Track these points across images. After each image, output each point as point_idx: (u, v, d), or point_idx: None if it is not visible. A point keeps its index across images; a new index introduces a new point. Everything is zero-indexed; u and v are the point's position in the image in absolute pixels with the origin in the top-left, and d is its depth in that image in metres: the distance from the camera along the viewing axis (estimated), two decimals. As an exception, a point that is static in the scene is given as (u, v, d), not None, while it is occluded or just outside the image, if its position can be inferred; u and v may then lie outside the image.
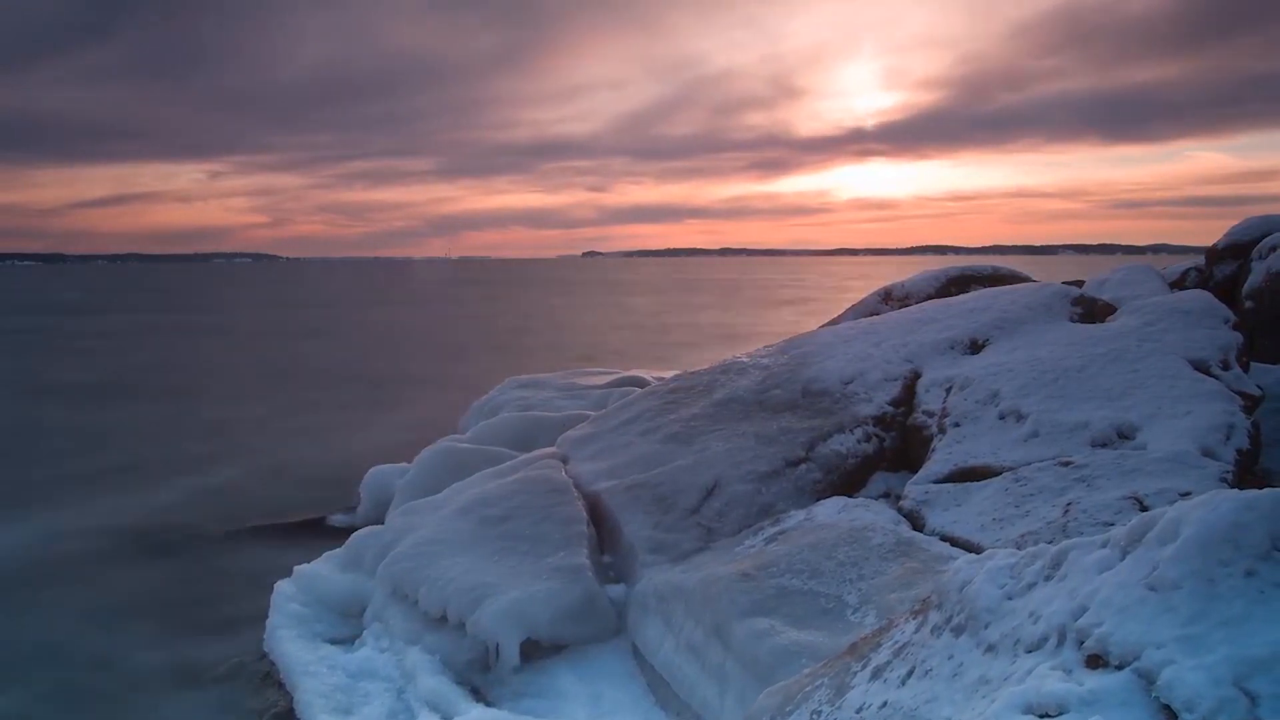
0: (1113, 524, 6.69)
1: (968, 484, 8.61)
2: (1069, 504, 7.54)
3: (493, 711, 7.65)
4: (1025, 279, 15.73)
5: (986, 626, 4.02)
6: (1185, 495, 7.10)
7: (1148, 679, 3.12)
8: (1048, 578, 3.96)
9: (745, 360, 12.65)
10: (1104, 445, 8.60)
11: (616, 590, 8.97)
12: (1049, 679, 3.30)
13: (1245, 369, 10.21)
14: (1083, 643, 3.44)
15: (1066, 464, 8.27)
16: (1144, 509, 7.21)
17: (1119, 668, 3.24)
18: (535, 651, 8.36)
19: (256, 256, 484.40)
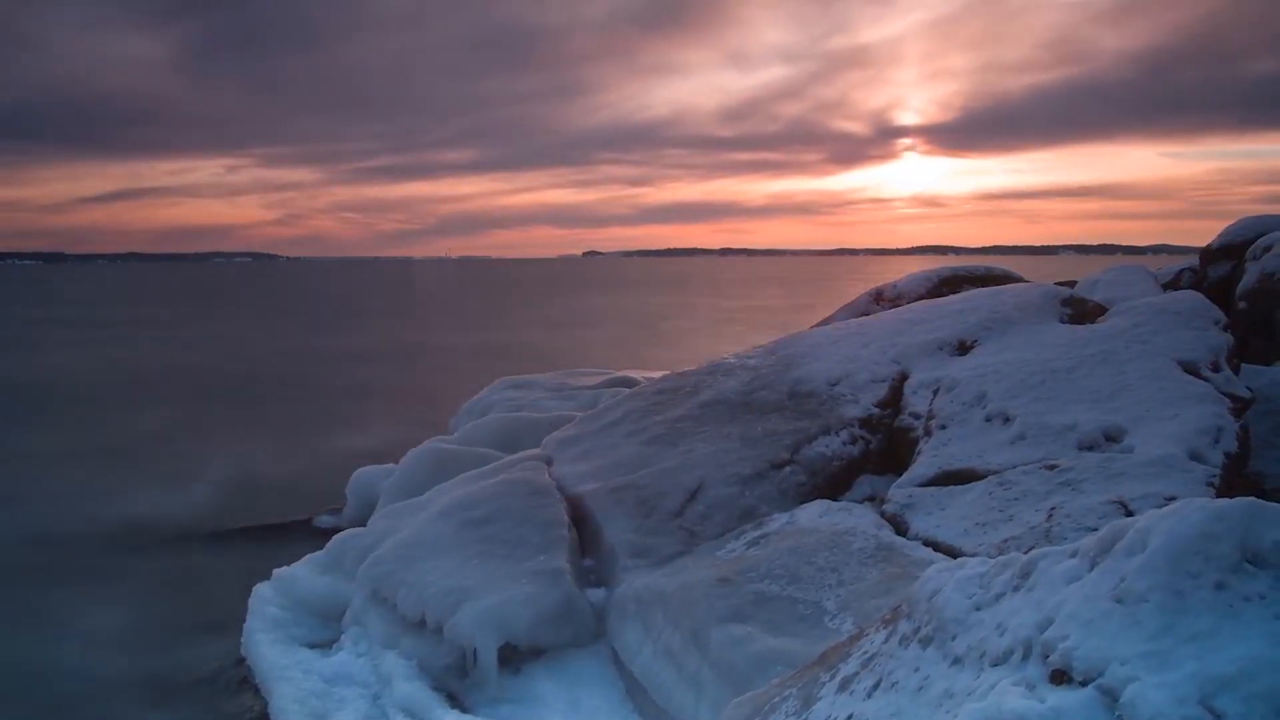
0: (1096, 529, 6.58)
1: (952, 487, 8.49)
2: (1053, 508, 7.42)
3: (468, 718, 7.55)
4: (1018, 279, 15.62)
5: (954, 638, 3.91)
6: (1171, 499, 6.98)
7: (1111, 696, 3.01)
8: (1016, 588, 3.85)
9: (733, 361, 12.54)
10: (1091, 448, 8.49)
11: (597, 594, 8.85)
12: (1010, 695, 3.19)
13: (1236, 371, 10.09)
14: (1047, 657, 3.33)
15: (1052, 467, 8.16)
16: (1129, 513, 7.10)
17: (1082, 684, 3.13)
18: (514, 656, 8.24)
19: (256, 256, 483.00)
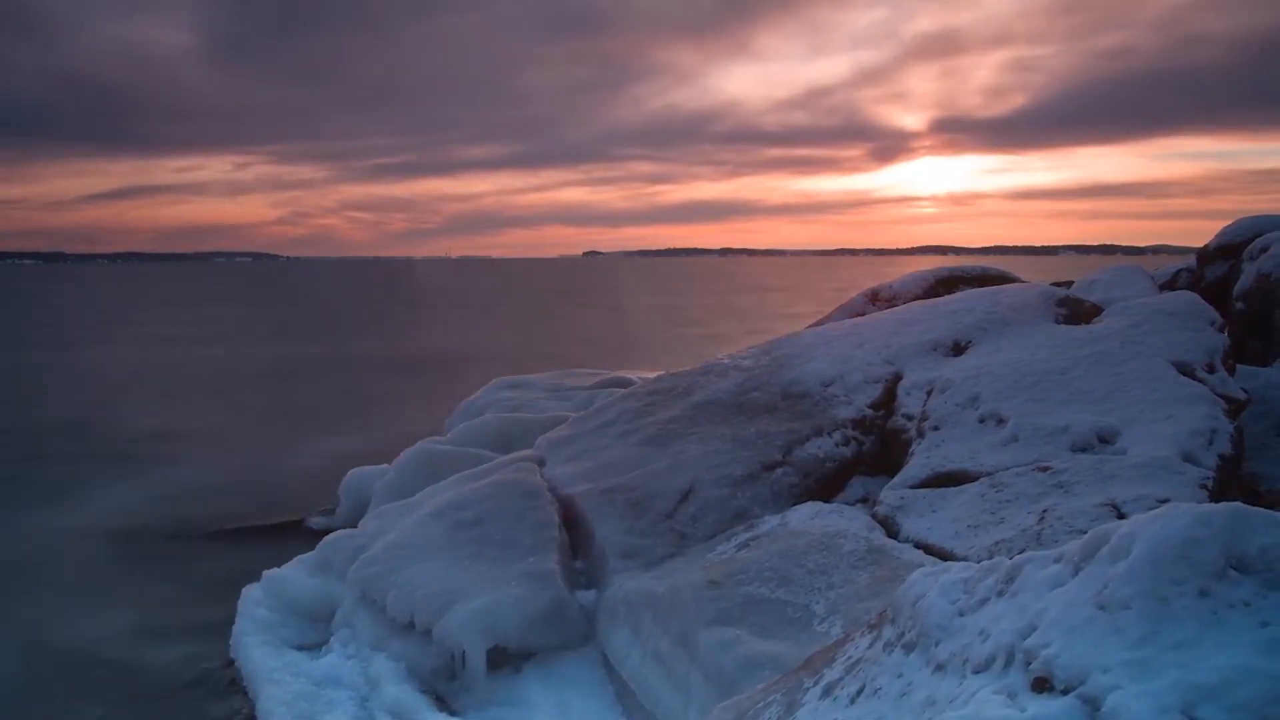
0: (1088, 532, 6.52)
1: (944, 489, 8.43)
2: (1045, 511, 7.36)
3: (456, 721, 7.51)
4: (1014, 280, 15.56)
5: (937, 644, 3.85)
6: (1164, 502, 6.92)
7: (1092, 705, 2.95)
8: (1000, 594, 3.79)
9: (726, 362, 12.48)
10: (1084, 450, 8.43)
11: (588, 596, 8.80)
12: (990, 703, 3.13)
13: (1231, 372, 10.03)
14: (1029, 664, 3.27)
15: (1045, 469, 8.10)
16: (1121, 516, 7.04)
17: (1064, 692, 3.07)
18: (503, 659, 8.20)
19: (256, 256, 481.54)
